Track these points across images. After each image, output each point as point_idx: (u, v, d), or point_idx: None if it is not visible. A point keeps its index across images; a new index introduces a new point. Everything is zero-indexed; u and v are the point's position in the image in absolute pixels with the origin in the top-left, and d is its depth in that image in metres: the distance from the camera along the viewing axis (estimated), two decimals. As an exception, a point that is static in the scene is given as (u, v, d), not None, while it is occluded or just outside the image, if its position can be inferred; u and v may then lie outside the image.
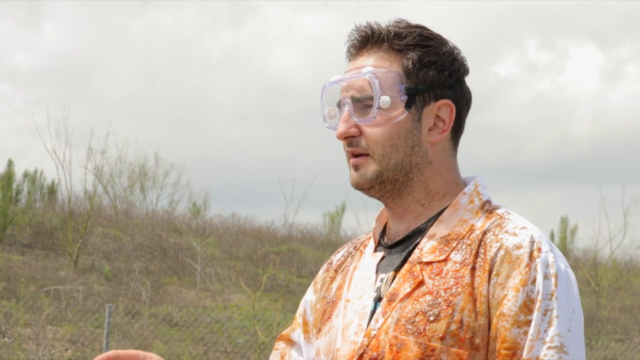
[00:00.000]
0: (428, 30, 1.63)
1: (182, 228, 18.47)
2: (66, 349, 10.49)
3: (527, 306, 1.47)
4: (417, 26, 1.62)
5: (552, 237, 20.45)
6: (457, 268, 1.51)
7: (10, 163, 16.39)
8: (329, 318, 1.65)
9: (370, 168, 1.60)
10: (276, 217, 38.86)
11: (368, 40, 1.61)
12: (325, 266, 1.80)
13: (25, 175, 19.63)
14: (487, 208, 1.59)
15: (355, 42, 1.63)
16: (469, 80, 1.65)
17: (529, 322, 1.46)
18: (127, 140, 34.22)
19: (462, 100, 1.63)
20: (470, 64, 1.64)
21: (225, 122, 30.71)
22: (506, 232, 1.53)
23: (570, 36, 31.55)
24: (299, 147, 29.80)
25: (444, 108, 1.60)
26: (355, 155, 1.62)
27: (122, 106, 29.50)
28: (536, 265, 1.48)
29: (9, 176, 15.92)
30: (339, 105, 1.65)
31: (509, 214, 1.57)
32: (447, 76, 1.60)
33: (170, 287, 14.19)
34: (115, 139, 23.47)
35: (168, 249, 16.18)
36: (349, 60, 1.65)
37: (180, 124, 30.32)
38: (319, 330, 1.68)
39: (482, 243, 1.53)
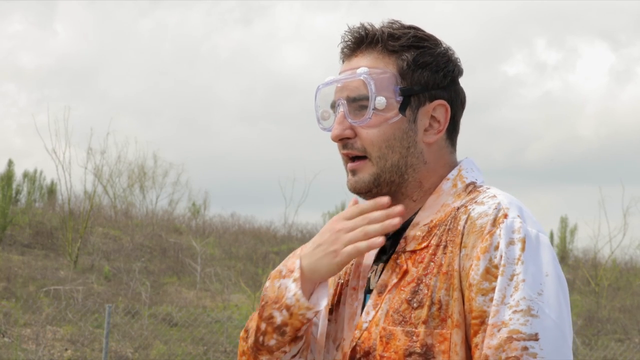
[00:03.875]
0: (422, 31, 1.62)
1: (182, 228, 18.47)
2: (66, 349, 10.48)
3: (490, 273, 1.45)
4: (410, 27, 1.61)
5: (551, 237, 20.43)
6: (434, 251, 1.52)
7: (10, 163, 16.40)
8: (338, 304, 1.66)
9: (368, 171, 1.59)
10: (276, 217, 38.91)
11: (362, 41, 1.61)
12: None
13: (25, 175, 19.65)
14: (470, 189, 1.58)
15: (349, 43, 1.62)
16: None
17: (494, 289, 1.44)
18: (126, 140, 34.23)
19: (456, 101, 1.63)
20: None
21: (230, 122, 30.77)
22: (475, 202, 1.52)
23: (580, 35, 31.52)
24: (300, 147, 29.84)
25: (439, 109, 1.60)
26: (352, 158, 1.61)
27: (128, 106, 29.60)
28: (500, 231, 1.46)
29: (8, 176, 15.90)
30: (333, 106, 1.64)
31: (488, 188, 1.56)
32: (441, 77, 1.60)
33: (170, 287, 14.18)
34: (115, 139, 23.46)
35: (168, 249, 16.18)
36: (343, 62, 1.65)
37: (185, 124, 30.38)
38: (330, 312, 1.68)
39: (454, 218, 1.52)
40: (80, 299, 12.20)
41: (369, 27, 1.61)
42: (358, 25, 1.62)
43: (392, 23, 1.61)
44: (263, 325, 1.61)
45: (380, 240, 1.55)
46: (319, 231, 1.63)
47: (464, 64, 1.65)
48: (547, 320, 1.42)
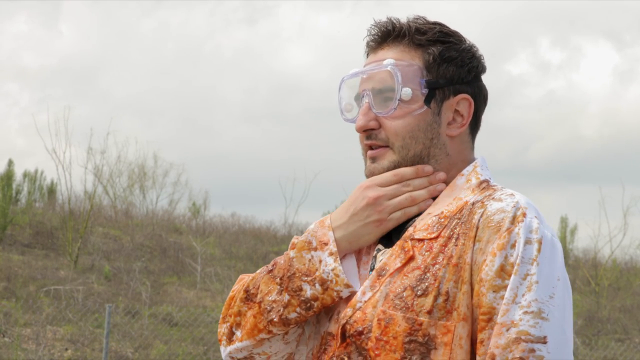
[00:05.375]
0: (447, 27, 1.65)
1: (182, 228, 18.46)
2: (66, 349, 10.47)
3: (504, 270, 1.44)
4: (435, 23, 1.64)
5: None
6: (445, 242, 1.51)
7: (10, 163, 16.39)
8: None
9: (389, 159, 1.61)
10: (276, 217, 38.88)
11: (389, 34, 1.63)
12: None
13: (25, 175, 19.63)
14: (484, 187, 1.59)
15: (376, 36, 1.64)
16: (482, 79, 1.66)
17: (506, 287, 1.43)
18: (127, 140, 34.22)
19: (479, 97, 1.65)
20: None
21: (232, 122, 30.76)
22: (492, 198, 1.53)
23: (584, 34, 31.47)
24: (300, 146, 29.82)
25: (463, 103, 1.62)
26: (372, 148, 1.62)
27: (130, 105, 29.58)
28: (518, 229, 1.46)
29: (9, 176, 15.89)
30: (358, 98, 1.65)
31: (503, 187, 1.57)
32: (466, 72, 1.62)
33: (170, 287, 14.17)
34: (115, 139, 23.46)
35: (168, 248, 16.17)
36: (368, 55, 1.67)
37: (187, 124, 30.39)
38: None
39: (470, 212, 1.53)
40: (80, 298, 12.19)
41: (395, 21, 1.63)
42: (385, 19, 1.63)
43: (417, 18, 1.64)
44: (286, 297, 1.60)
45: (430, 202, 1.59)
46: (348, 199, 1.62)
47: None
48: (556, 325, 1.42)
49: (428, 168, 1.59)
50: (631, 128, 28.98)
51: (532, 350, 1.40)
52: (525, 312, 1.41)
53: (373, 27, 1.64)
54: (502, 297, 1.43)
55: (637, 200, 19.82)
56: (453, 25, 1.65)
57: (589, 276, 16.76)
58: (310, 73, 30.68)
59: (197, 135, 30.14)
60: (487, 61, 1.66)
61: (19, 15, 28.47)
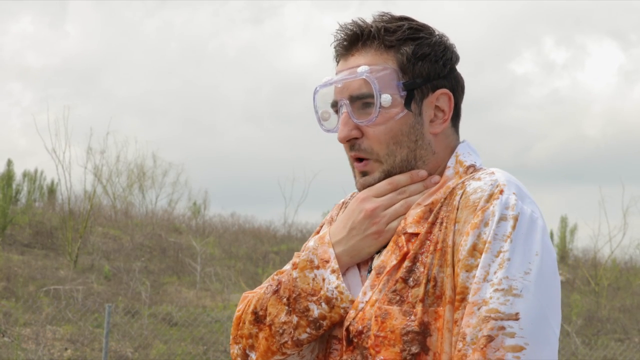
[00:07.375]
0: (415, 21, 1.60)
1: (182, 228, 18.46)
2: (66, 349, 10.47)
3: (476, 249, 1.42)
4: (402, 18, 1.60)
5: (551, 237, 20.39)
6: (430, 228, 1.50)
7: (9, 163, 16.38)
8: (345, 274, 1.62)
9: (378, 169, 1.58)
10: (276, 216, 38.86)
11: (358, 38, 1.58)
12: (340, 203, 1.77)
13: (25, 174, 19.63)
14: (471, 171, 1.57)
15: (344, 42, 1.60)
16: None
17: (478, 266, 1.41)
18: (126, 140, 34.21)
19: (457, 88, 1.62)
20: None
21: (233, 121, 30.76)
22: (473, 178, 1.51)
23: (589, 34, 31.43)
24: (300, 146, 29.82)
25: (443, 98, 1.59)
26: (359, 159, 1.60)
27: (133, 105, 29.60)
28: (493, 207, 1.43)
29: (9, 176, 15.89)
30: (334, 105, 1.62)
31: (487, 168, 1.55)
32: (441, 66, 1.59)
33: (169, 287, 14.16)
34: (115, 139, 23.45)
35: (168, 248, 16.16)
36: (338, 61, 1.62)
37: (189, 123, 30.40)
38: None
39: (451, 194, 1.51)
40: (80, 298, 12.19)
41: (362, 23, 1.58)
42: (350, 22, 1.59)
43: (382, 16, 1.59)
44: (295, 319, 1.58)
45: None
46: (345, 213, 1.60)
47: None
48: (531, 301, 1.39)
49: (422, 173, 1.57)
50: (634, 128, 28.95)
51: (502, 328, 1.37)
52: (496, 290, 1.39)
53: (339, 31, 1.59)
54: (474, 277, 1.41)
55: (637, 200, 19.85)
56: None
57: (589, 276, 16.76)
58: (314, 72, 30.68)
59: (198, 135, 30.17)
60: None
61: (24, 15, 28.49)
